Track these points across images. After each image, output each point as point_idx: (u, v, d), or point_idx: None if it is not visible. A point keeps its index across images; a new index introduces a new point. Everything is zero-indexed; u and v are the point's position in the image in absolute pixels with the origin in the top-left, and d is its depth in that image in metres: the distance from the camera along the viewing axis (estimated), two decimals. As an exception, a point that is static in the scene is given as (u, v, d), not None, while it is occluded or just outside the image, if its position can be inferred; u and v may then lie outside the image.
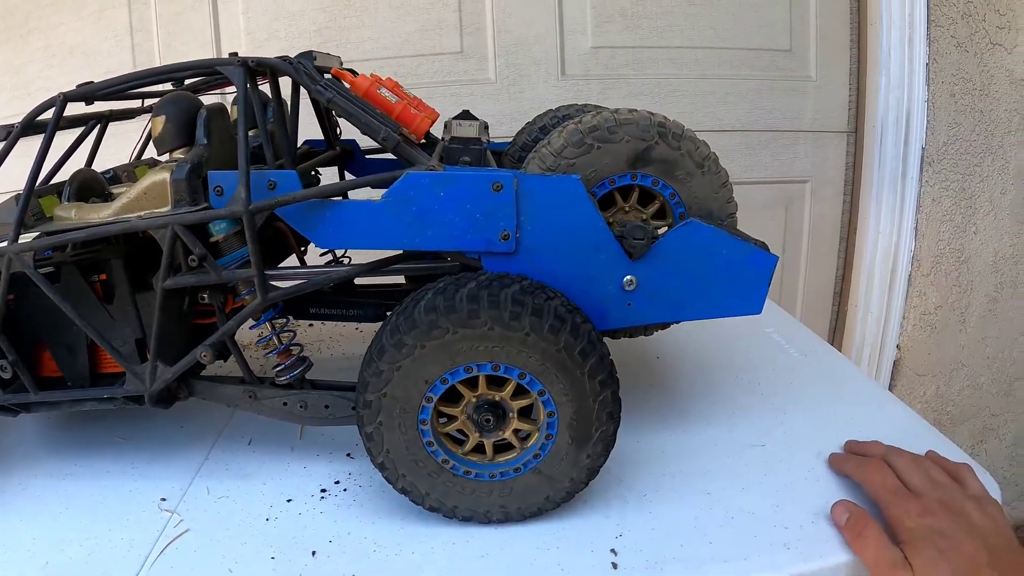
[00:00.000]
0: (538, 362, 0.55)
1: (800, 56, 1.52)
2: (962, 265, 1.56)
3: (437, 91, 1.42)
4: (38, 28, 1.47)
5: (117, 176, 0.85)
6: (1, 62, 1.50)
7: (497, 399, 0.58)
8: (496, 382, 0.58)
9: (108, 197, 0.76)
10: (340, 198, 0.59)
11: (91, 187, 0.77)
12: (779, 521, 0.61)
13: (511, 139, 0.83)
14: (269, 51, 1.44)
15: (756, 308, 0.63)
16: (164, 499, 0.71)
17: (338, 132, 0.88)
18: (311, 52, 0.71)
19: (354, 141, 0.90)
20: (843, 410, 0.78)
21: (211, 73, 0.66)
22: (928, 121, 1.48)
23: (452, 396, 0.58)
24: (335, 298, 0.89)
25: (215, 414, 0.86)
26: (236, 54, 0.63)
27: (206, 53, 1.44)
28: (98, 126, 0.85)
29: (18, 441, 0.85)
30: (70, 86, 0.69)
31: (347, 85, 0.64)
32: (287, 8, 1.43)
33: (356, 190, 0.59)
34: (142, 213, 0.64)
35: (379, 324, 0.89)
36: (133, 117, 0.89)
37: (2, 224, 0.73)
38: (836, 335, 1.68)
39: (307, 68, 0.62)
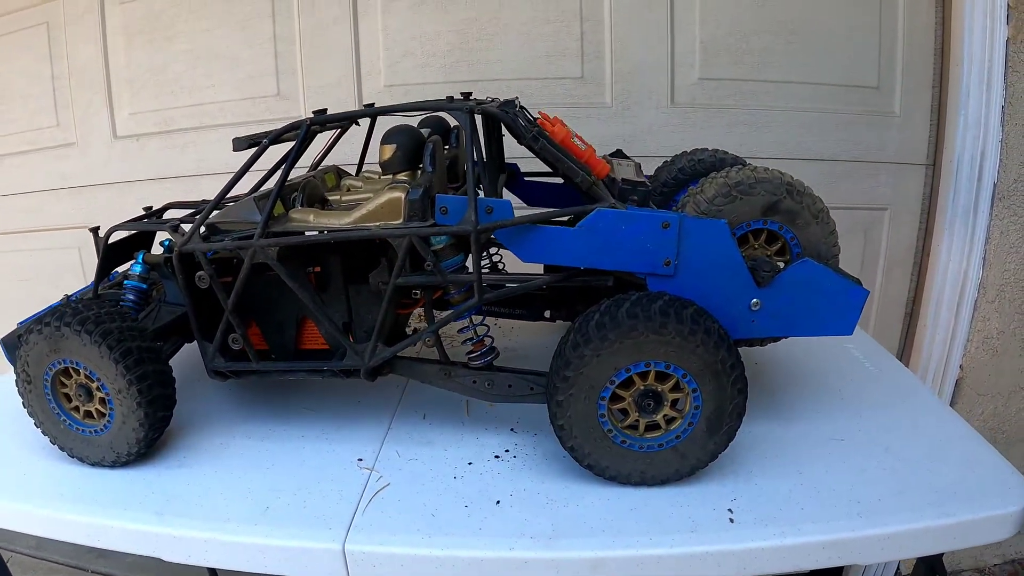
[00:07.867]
0: (699, 367, 0.73)
1: (886, 93, 1.62)
2: (1024, 295, 1.66)
3: (557, 112, 1.50)
4: (183, 32, 1.60)
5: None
6: (145, 61, 1.64)
7: (659, 390, 0.75)
8: (660, 377, 0.75)
9: (324, 202, 0.93)
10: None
11: (314, 194, 0.93)
12: (854, 496, 0.76)
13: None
14: (404, 67, 1.58)
15: (848, 330, 0.79)
16: (361, 459, 0.84)
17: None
18: (515, 100, 0.88)
19: (515, 165, 1.08)
20: (909, 418, 0.92)
21: (436, 109, 0.82)
22: (1001, 160, 1.56)
23: (624, 383, 0.75)
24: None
25: (386, 393, 1.00)
26: (470, 94, 0.79)
27: (346, 64, 1.57)
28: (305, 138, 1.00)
29: (208, 410, 0.96)
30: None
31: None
32: (423, 29, 1.55)
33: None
34: (379, 223, 0.80)
35: (531, 322, 1.07)
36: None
37: (235, 222, 0.84)
38: (905, 352, 1.78)
39: (522, 116, 0.80)
